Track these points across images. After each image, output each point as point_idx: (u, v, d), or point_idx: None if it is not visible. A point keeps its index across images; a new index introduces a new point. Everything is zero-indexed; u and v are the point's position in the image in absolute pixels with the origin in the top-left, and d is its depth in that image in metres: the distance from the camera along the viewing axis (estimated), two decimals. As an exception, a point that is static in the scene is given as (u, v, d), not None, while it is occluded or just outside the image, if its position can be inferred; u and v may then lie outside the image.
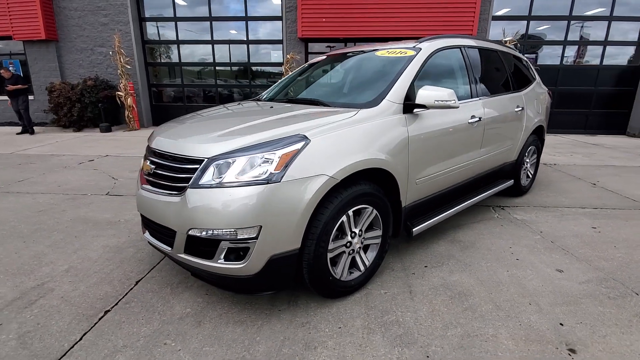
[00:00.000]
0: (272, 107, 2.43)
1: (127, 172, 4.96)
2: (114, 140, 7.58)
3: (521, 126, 3.57)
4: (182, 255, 1.86)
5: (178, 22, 9.08)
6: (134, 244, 2.80)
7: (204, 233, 1.74)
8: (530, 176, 4.15)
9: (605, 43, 8.61)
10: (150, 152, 2.14)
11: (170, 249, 1.92)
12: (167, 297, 2.13)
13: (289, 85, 3.15)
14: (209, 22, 9.01)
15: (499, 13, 8.48)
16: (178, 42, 9.24)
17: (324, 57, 3.28)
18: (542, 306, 2.05)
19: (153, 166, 2.04)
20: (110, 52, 8.66)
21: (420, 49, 2.57)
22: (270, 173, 1.69)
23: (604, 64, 8.77)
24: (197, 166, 1.81)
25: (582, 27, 8.69)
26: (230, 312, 1.99)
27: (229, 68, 9.53)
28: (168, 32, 9.21)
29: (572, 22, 8.57)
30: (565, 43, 8.74)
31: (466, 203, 2.92)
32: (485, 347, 1.74)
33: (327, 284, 1.96)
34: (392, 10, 7.96)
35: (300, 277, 1.91)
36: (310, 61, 3.46)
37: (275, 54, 9.14)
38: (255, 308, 2.03)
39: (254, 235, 1.69)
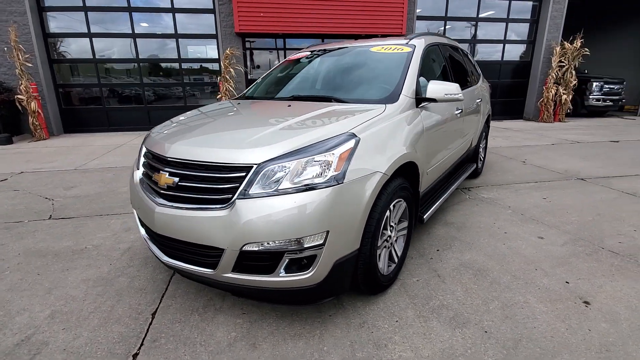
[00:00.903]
0: (289, 105, 2.31)
1: (61, 190, 4.16)
2: (21, 154, 6.24)
3: (480, 115, 4.01)
4: (230, 275, 1.67)
5: (89, 13, 7.82)
6: (123, 272, 2.40)
7: (262, 247, 1.59)
8: (482, 159, 4.70)
9: (504, 42, 10.13)
10: (165, 162, 1.84)
11: (211, 270, 1.70)
12: (199, 324, 1.89)
13: (278, 82, 3.02)
14: (127, 13, 7.96)
15: (422, 14, 9.29)
16: (90, 36, 7.97)
17: (307, 52, 3.21)
18: (546, 270, 2.38)
19: (176, 178, 1.76)
20: (5, 48, 7.06)
21: (415, 45, 2.69)
22: (332, 174, 1.62)
23: (504, 59, 10.31)
24: (243, 174, 1.63)
25: (475, 26, 10.03)
26: (281, 327, 1.86)
27: (156, 65, 8.59)
28: (76, 24, 7.88)
29: (478, 22, 9.85)
30: (474, 41, 10.01)
31: (453, 187, 3.18)
32: (525, 313, 1.95)
33: (376, 280, 1.97)
34: (330, 8, 8.10)
35: (355, 278, 1.87)
36: (290, 57, 3.35)
37: (210, 50, 8.54)
38: (303, 318, 1.93)
39: (321, 242, 1.60)
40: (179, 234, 1.74)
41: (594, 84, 10.64)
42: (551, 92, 9.68)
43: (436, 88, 2.33)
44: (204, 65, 8.81)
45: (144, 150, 2.18)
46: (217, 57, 8.52)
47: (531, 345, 1.71)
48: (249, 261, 1.64)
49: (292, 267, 1.63)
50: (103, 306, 2.04)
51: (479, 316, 1.92)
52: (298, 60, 3.16)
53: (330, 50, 3.04)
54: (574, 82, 9.75)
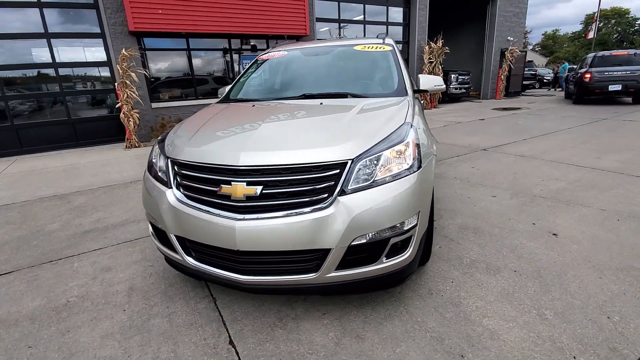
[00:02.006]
0: (321, 103, 2.32)
1: (-50, 245, 3.05)
2: None
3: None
4: (333, 274, 1.67)
5: None
6: (150, 313, 2.03)
7: (369, 238, 1.65)
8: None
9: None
10: (238, 172, 1.67)
11: (313, 274, 1.66)
12: (291, 336, 1.80)
13: (269, 82, 2.94)
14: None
15: (320, 16, 9.87)
16: None
17: (282, 51, 3.20)
18: (515, 218, 3.06)
19: (258, 187, 1.63)
20: None
21: (391, 44, 3.02)
22: (413, 161, 1.78)
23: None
24: (338, 171, 1.65)
25: (364, 28, 11.30)
26: (368, 315, 1.93)
27: (21, 72, 6.78)
28: None
29: (366, 25, 11.04)
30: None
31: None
32: (527, 251, 2.51)
33: (430, 250, 2.23)
34: (237, 8, 7.85)
35: (424, 250, 2.08)
36: (263, 56, 3.26)
37: (97, 52, 7.22)
38: (379, 302, 2.04)
39: (415, 223, 1.76)
40: (272, 245, 1.63)
41: (452, 75, 13.25)
42: (427, 83, 11.63)
43: (427, 81, 2.70)
44: (89, 70, 7.41)
45: (174, 164, 1.90)
46: (106, 59, 7.28)
47: (548, 272, 2.25)
48: (353, 255, 1.67)
49: (392, 252, 1.74)
50: (162, 355, 1.73)
51: (501, 262, 2.39)
52: (277, 60, 3.12)
53: (315, 49, 3.12)
54: (441, 75, 11.95)
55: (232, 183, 1.67)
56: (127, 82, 6.79)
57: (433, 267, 2.37)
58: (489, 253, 2.51)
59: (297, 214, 1.61)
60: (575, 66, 16.68)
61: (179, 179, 1.87)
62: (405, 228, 1.73)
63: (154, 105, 7.96)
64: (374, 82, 2.71)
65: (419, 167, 1.79)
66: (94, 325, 1.96)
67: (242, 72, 3.21)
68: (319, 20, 9.73)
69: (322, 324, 1.89)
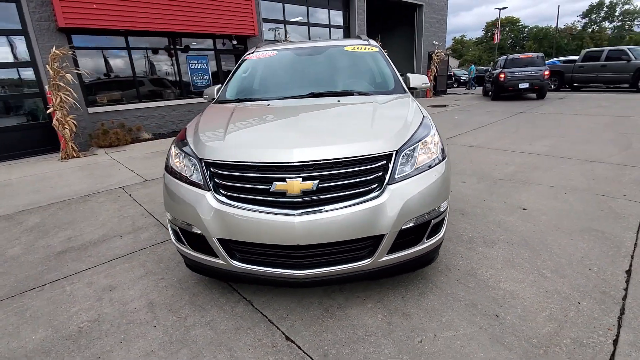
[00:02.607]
0: (338, 100, 2.39)
1: None
2: None
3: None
4: (385, 258, 1.80)
5: None
6: (188, 327, 1.92)
7: (416, 221, 1.81)
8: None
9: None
10: (293, 168, 1.69)
11: (367, 260, 1.77)
12: (343, 323, 1.88)
13: (266, 81, 2.92)
14: None
15: (265, 17, 9.79)
16: None
17: (271, 51, 3.20)
18: (488, 198, 3.49)
19: (314, 182, 1.68)
20: None
21: (376, 45, 3.22)
22: (440, 151, 1.99)
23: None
24: (384, 162, 1.78)
25: (308, 30, 11.55)
26: (405, 294, 2.09)
27: None
28: None
29: (310, 27, 11.25)
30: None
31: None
32: (509, 225, 2.90)
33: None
34: (182, 4, 7.42)
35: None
36: (252, 56, 3.22)
37: (18, 51, 6.21)
38: (408, 281, 2.21)
39: (447, 205, 1.97)
40: (331, 237, 1.69)
41: (389, 76, 14.14)
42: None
43: (415, 79, 2.95)
44: (8, 73, 6.35)
45: (209, 166, 1.84)
46: (29, 59, 6.32)
47: (532, 240, 2.65)
48: (402, 239, 1.81)
49: (431, 232, 1.93)
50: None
51: (494, 235, 2.75)
52: (270, 59, 3.11)
53: (306, 49, 3.17)
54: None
55: (287, 180, 1.69)
56: (61, 84, 5.99)
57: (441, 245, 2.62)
58: (481, 229, 2.85)
59: (353, 204, 1.70)
60: (483, 68, 19.07)
61: (218, 181, 1.81)
62: (441, 210, 1.93)
63: (91, 110, 7.15)
64: (373, 81, 2.88)
65: (444, 156, 2.01)
66: (127, 346, 1.80)
67: (233, 71, 3.13)
68: (265, 20, 9.67)
69: (367, 308, 2.00)
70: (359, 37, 3.45)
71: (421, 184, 1.81)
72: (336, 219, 1.68)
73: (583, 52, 14.69)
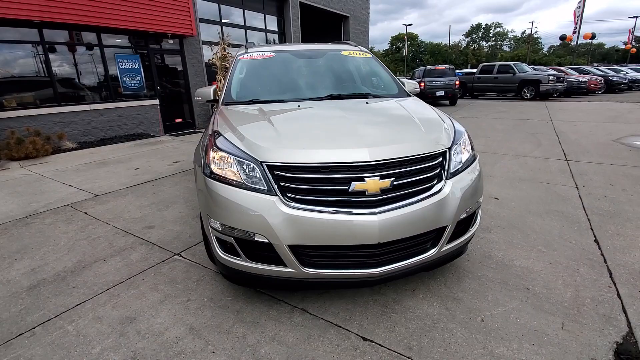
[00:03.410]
0: (367, 102, 2.42)
1: None
2: None
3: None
4: (445, 247, 1.93)
5: None
6: (252, 345, 1.76)
7: (467, 212, 1.98)
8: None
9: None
10: (369, 168, 1.70)
11: (433, 251, 1.88)
12: (407, 316, 1.95)
13: (274, 84, 2.81)
14: None
15: (202, 17, 9.22)
16: None
17: (270, 53, 3.10)
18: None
19: (390, 179, 1.72)
20: None
21: (367, 51, 3.38)
22: (472, 149, 2.20)
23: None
24: (441, 158, 1.91)
25: (245, 33, 11.29)
26: (449, 283, 2.26)
27: None
28: None
29: (247, 30, 10.96)
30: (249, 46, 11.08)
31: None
32: (494, 213, 3.33)
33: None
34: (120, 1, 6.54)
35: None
36: (247, 56, 3.06)
37: None
38: (444, 270, 2.39)
39: (482, 200, 2.19)
40: (407, 232, 1.75)
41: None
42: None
43: (410, 85, 3.19)
44: None
45: (272, 169, 1.73)
46: None
47: (516, 222, 3.09)
48: (458, 228, 1.97)
49: (474, 222, 2.12)
50: None
51: (485, 223, 3.12)
52: (272, 61, 3.01)
53: (304, 52, 3.14)
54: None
55: (366, 179, 1.69)
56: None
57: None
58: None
59: (422, 199, 1.79)
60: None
61: (284, 184, 1.72)
62: (481, 201, 2.14)
63: (-7, 115, 5.80)
64: (379, 84, 3.01)
65: (475, 153, 2.24)
66: None
67: (231, 72, 2.92)
68: (202, 21, 9.13)
69: (420, 299, 2.10)
70: (347, 43, 3.56)
71: (469, 177, 2.00)
72: (411, 214, 1.75)
73: (480, 65, 17.32)
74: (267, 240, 1.72)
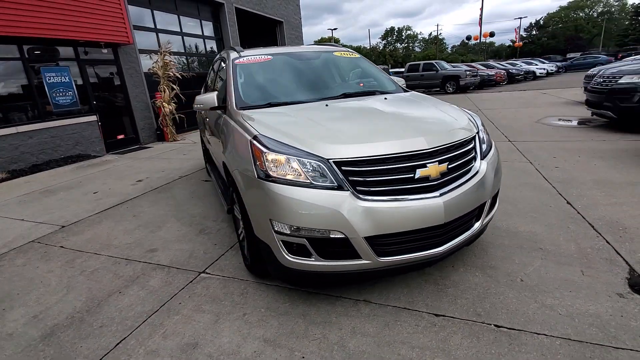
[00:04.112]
0: (385, 98, 2.53)
1: None
2: None
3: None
4: (485, 221, 2.15)
5: None
6: (336, 343, 1.75)
7: (498, 189, 2.23)
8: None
9: (206, 55, 11.36)
10: (428, 154, 1.83)
11: (478, 224, 2.09)
12: (458, 290, 2.12)
13: (282, 85, 2.81)
14: None
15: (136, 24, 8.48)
16: None
17: (267, 56, 3.05)
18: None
19: (446, 163, 1.88)
20: None
21: (353, 52, 3.53)
22: (488, 135, 2.47)
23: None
24: (473, 143, 2.13)
25: (183, 40, 10.71)
26: (477, 253, 2.49)
27: None
28: None
29: (184, 37, 10.37)
30: (186, 54, 10.49)
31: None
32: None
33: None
34: (29, 4, 5.67)
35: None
36: (242, 61, 2.97)
37: None
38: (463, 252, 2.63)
39: (499, 176, 2.48)
40: (464, 209, 1.93)
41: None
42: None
43: (399, 80, 3.42)
44: None
45: (340, 165, 1.77)
46: None
47: (502, 195, 3.50)
48: (492, 202, 2.20)
49: (497, 199, 2.38)
50: (420, 353, 1.65)
51: (477, 200, 3.48)
52: (273, 64, 2.98)
53: (301, 54, 3.15)
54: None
55: (428, 165, 1.82)
56: None
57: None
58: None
59: (469, 178, 1.99)
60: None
61: (353, 178, 1.77)
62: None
63: None
64: (379, 82, 3.15)
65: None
66: (299, 385, 1.54)
67: (234, 77, 2.80)
68: (137, 28, 8.40)
69: (462, 272, 2.30)
70: (332, 44, 3.67)
71: (495, 156, 2.26)
72: (465, 193, 1.92)
73: (407, 65, 18.81)
74: (343, 236, 1.74)
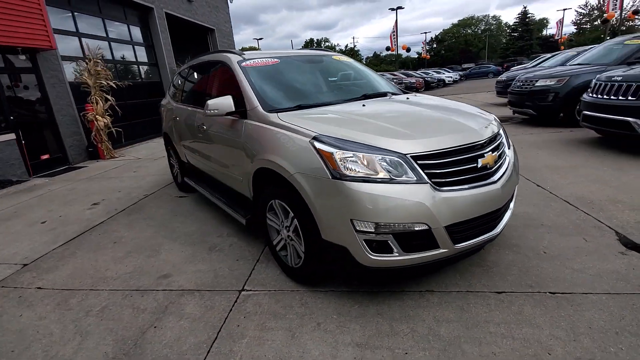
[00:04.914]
0: (408, 98, 2.63)
1: None
2: None
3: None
4: (511, 206, 2.41)
5: None
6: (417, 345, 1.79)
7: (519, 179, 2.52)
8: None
9: (137, 63, 10.32)
10: (482, 145, 2.01)
11: (512, 206, 2.34)
12: (490, 273, 2.33)
13: (296, 87, 2.75)
14: None
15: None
16: None
17: (275, 59, 2.95)
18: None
19: (496, 152, 2.08)
20: None
21: (346, 56, 3.64)
22: None
23: (143, 79, 10.58)
24: (503, 134, 2.38)
25: (110, 46, 9.61)
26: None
27: None
28: None
29: (111, 42, 9.27)
30: (114, 62, 9.37)
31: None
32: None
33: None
34: None
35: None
36: (251, 63, 2.83)
37: None
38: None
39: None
40: (510, 193, 2.16)
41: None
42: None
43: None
44: None
45: (416, 159, 1.83)
46: None
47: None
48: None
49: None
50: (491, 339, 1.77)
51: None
52: (284, 67, 2.89)
53: (310, 57, 3.12)
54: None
55: (486, 155, 1.99)
56: None
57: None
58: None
59: (508, 166, 2.21)
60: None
61: (428, 171, 1.85)
62: (513, 167, 2.73)
63: None
64: (383, 85, 3.26)
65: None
66: None
67: (247, 81, 2.61)
68: (57, 32, 7.24)
69: (494, 252, 2.53)
70: (325, 49, 3.71)
71: (513, 147, 2.54)
72: (509, 178, 2.15)
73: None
74: (426, 227, 1.80)
